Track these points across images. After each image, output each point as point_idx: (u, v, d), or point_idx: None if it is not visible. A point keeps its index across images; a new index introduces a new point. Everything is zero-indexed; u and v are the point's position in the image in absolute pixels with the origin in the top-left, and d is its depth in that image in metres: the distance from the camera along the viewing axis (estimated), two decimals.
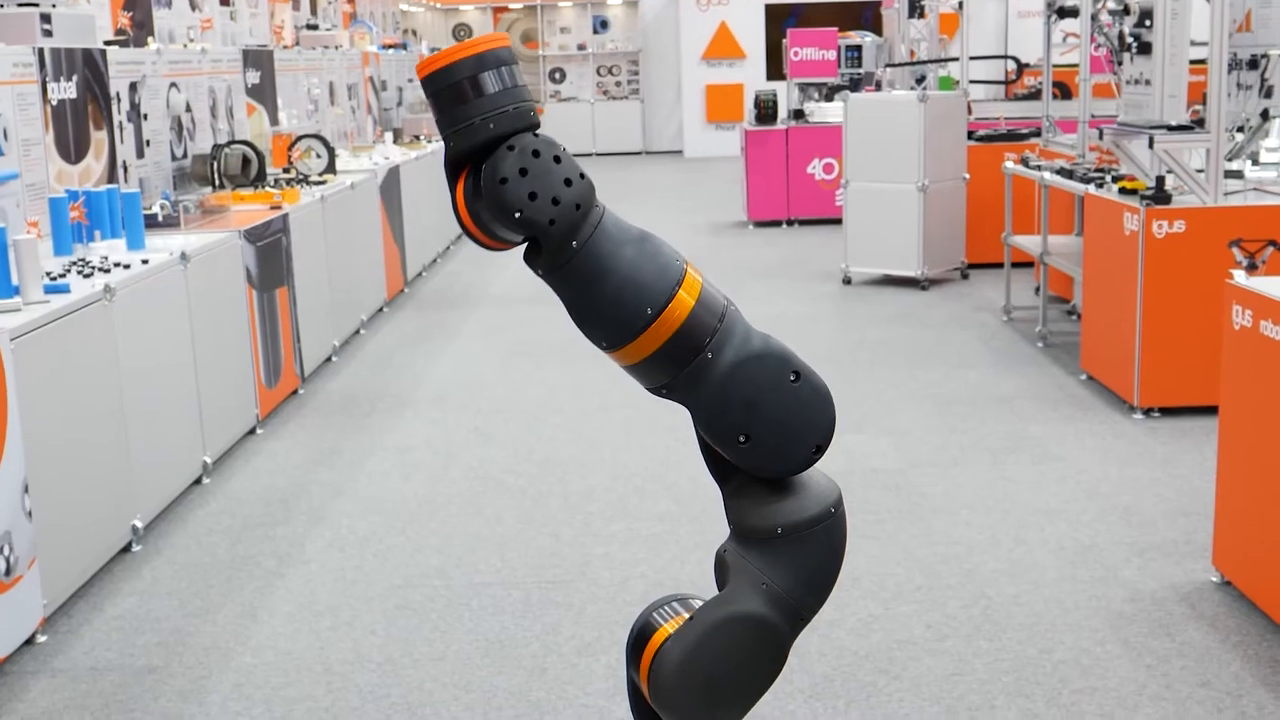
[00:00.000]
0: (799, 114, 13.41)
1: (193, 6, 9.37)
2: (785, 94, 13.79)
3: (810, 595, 2.15)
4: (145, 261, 5.52)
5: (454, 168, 2.02)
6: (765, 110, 13.31)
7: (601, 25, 23.67)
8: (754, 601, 2.12)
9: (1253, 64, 7.21)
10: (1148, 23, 6.95)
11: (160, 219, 6.55)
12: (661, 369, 2.07)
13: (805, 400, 2.14)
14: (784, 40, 13.69)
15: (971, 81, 11.49)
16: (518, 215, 1.93)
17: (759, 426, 2.09)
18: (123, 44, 7.34)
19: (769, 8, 21.59)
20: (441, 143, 8.63)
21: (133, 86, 7.01)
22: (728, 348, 2.09)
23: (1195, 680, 3.88)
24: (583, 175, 1.98)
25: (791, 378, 2.14)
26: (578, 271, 2.01)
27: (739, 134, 14.15)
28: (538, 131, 1.98)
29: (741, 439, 2.10)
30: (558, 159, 1.96)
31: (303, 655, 4.23)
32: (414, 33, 21.95)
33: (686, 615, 2.20)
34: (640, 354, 2.06)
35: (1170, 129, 6.43)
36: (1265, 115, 7.06)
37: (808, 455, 2.13)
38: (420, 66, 1.99)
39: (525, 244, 2.08)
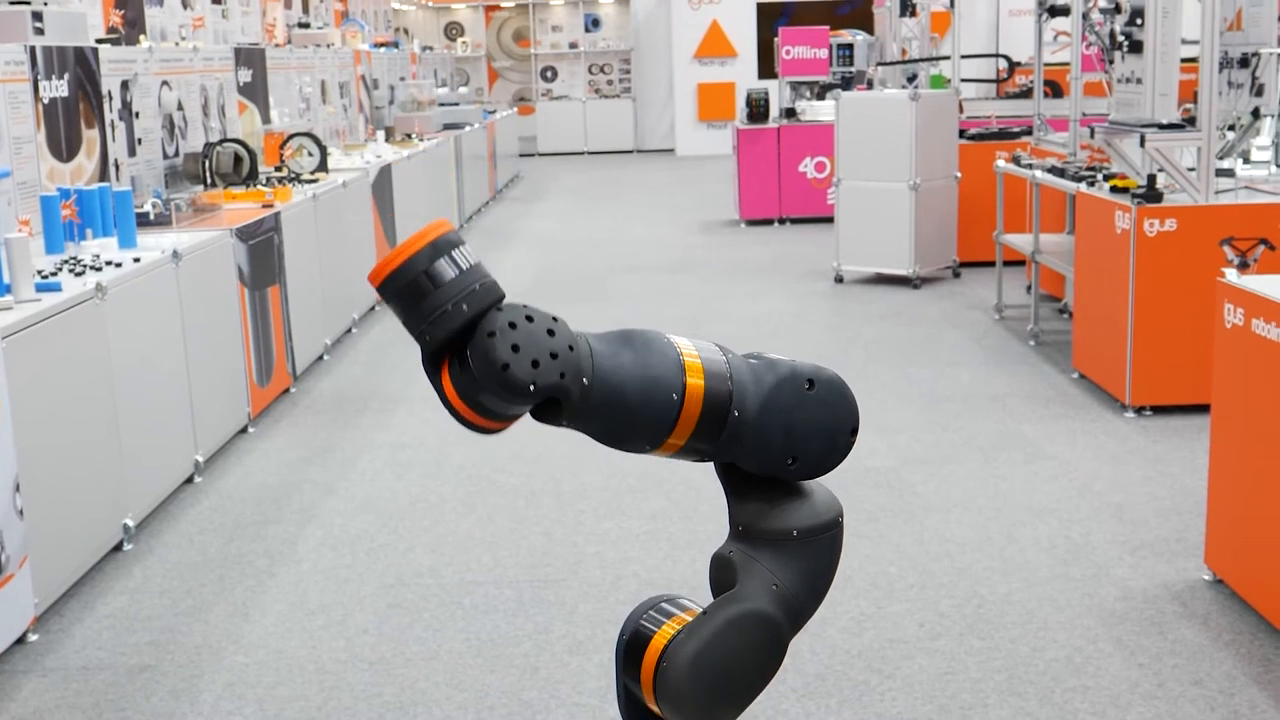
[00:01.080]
0: (790, 112, 13.41)
1: (184, 5, 9.34)
2: (777, 92, 13.80)
3: (811, 600, 2.19)
4: (137, 260, 5.51)
5: (434, 362, 1.98)
6: (757, 109, 13.31)
7: (593, 24, 23.67)
8: (765, 600, 2.15)
9: (1244, 62, 7.22)
10: (1139, 21, 6.96)
11: (152, 217, 6.54)
12: (701, 446, 2.11)
13: (827, 400, 2.19)
14: (775, 39, 13.70)
15: (963, 80, 11.51)
16: (532, 389, 1.91)
17: (800, 444, 2.15)
18: (114, 42, 7.32)
19: (760, 6, 21.61)
20: (438, 140, 8.57)
21: (124, 85, 7.00)
22: (748, 398, 2.13)
23: (1187, 679, 3.89)
24: (555, 318, 1.98)
25: (807, 387, 2.17)
26: (600, 402, 2.00)
27: (730, 132, 14.15)
28: (501, 305, 1.95)
29: (790, 461, 2.16)
30: (530, 318, 1.94)
31: (295, 654, 4.22)
32: (406, 31, 21.93)
33: (682, 615, 2.20)
34: (680, 440, 2.09)
35: (1161, 127, 6.43)
36: (1256, 114, 7.07)
37: (847, 443, 2.20)
38: (374, 274, 1.92)
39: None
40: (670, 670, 2.10)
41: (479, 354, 1.90)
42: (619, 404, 2.02)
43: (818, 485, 2.22)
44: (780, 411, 2.12)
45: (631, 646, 2.17)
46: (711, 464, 2.19)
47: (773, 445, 2.12)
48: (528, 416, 2.05)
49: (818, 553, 2.16)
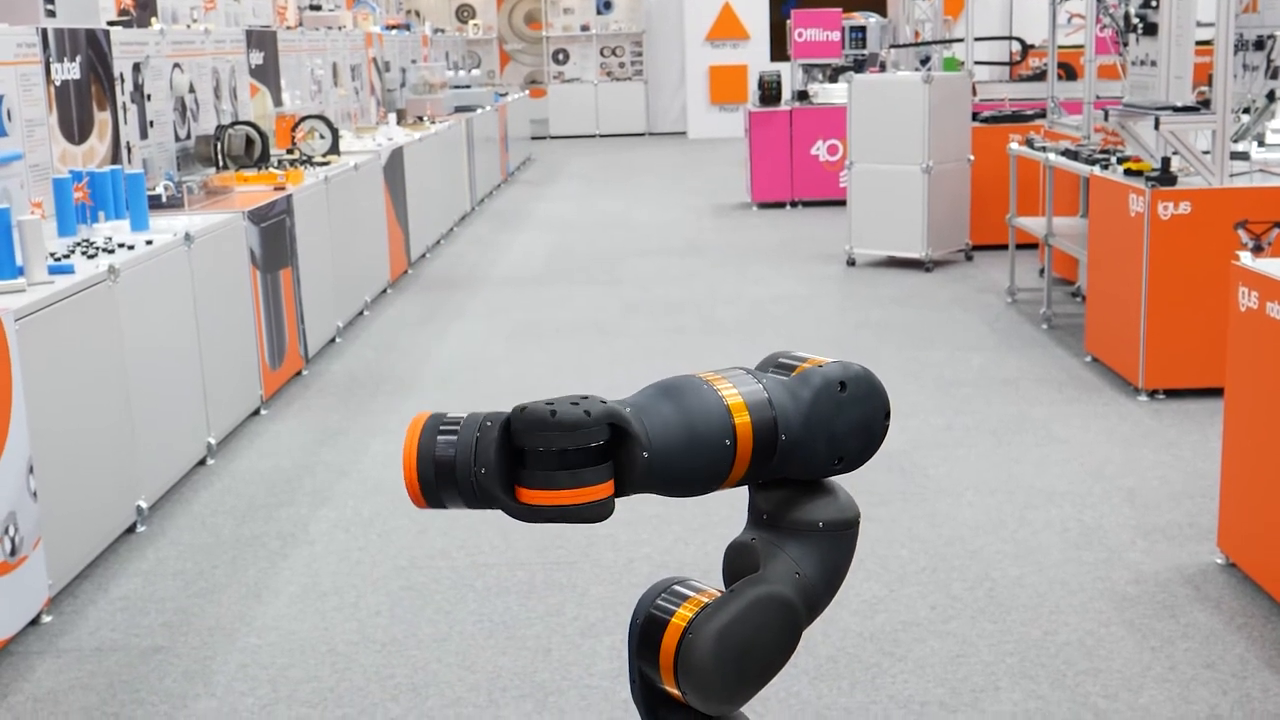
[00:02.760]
0: (803, 95, 13.37)
1: None
2: (789, 75, 13.76)
3: (827, 594, 2.22)
4: (149, 242, 5.52)
5: (509, 495, 1.99)
6: (769, 91, 13.28)
7: (605, 6, 23.61)
8: (788, 586, 2.18)
9: (1259, 45, 7.18)
10: (1154, 3, 6.93)
11: (164, 200, 6.54)
12: (756, 474, 2.12)
13: (860, 397, 2.21)
14: (788, 21, 13.65)
15: (976, 63, 11.46)
16: (588, 414, 1.90)
17: (842, 445, 2.17)
18: (126, 24, 7.32)
19: None
20: (450, 123, 8.59)
21: (136, 67, 7.00)
22: (791, 418, 2.16)
23: (1200, 662, 3.89)
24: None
25: (839, 390, 2.19)
26: (660, 438, 2.01)
27: (743, 115, 14.12)
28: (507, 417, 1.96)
29: (836, 462, 2.18)
30: (549, 402, 1.95)
31: (307, 636, 4.23)
32: (417, 14, 21.90)
33: (698, 596, 2.20)
34: (739, 474, 2.12)
35: (1176, 110, 6.41)
36: (1271, 96, 7.04)
37: (884, 429, 2.23)
38: (413, 498, 1.88)
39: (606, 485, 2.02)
40: (696, 642, 2.11)
41: (526, 424, 1.91)
42: (674, 444, 2.02)
43: (839, 485, 2.24)
44: (822, 423, 2.15)
45: (647, 629, 2.18)
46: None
47: (819, 454, 2.15)
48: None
49: (839, 548, 2.19)
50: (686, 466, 2.03)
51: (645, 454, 1.98)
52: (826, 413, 2.15)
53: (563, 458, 1.92)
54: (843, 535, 2.18)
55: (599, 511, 1.95)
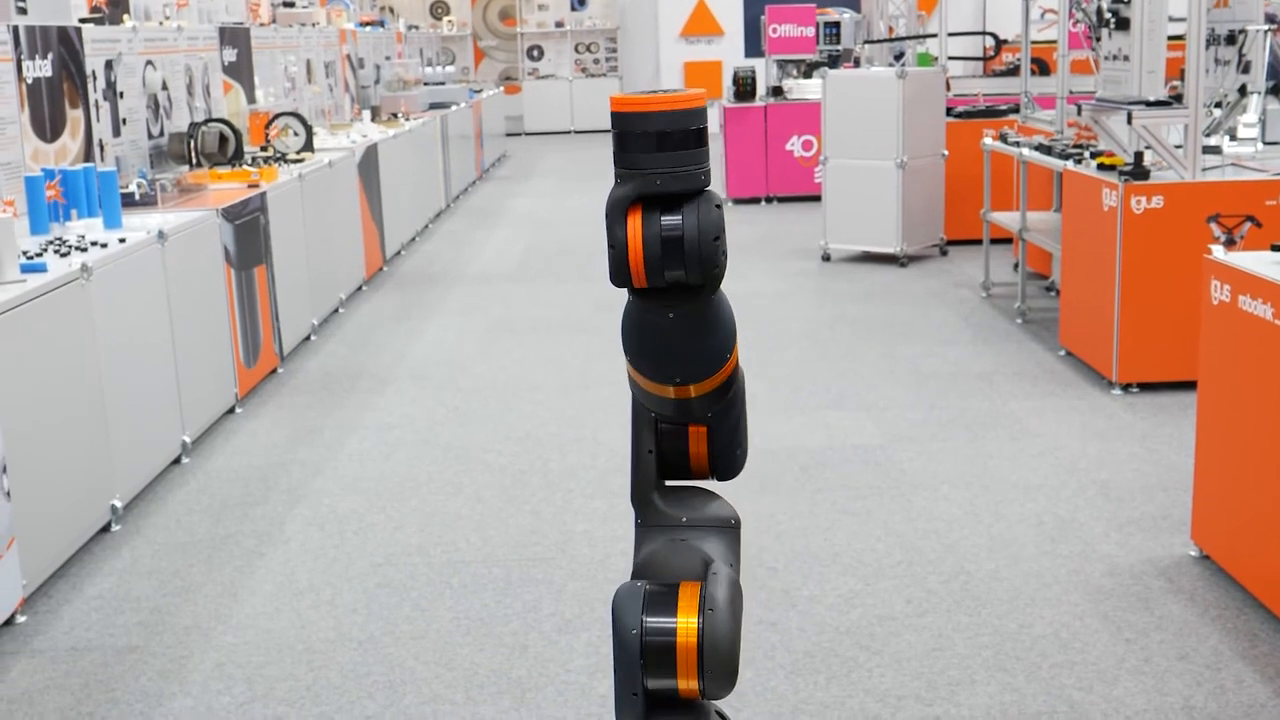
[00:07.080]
0: (778, 91, 13.39)
1: None
2: (764, 71, 13.77)
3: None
4: (122, 240, 5.49)
5: (621, 209, 2.11)
6: (744, 87, 13.28)
7: (580, 2, 23.60)
8: (737, 577, 2.34)
9: (1230, 39, 7.21)
10: None
11: (137, 198, 6.51)
12: (715, 399, 2.30)
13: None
14: (762, 16, 13.67)
15: (950, 58, 11.50)
16: (723, 255, 2.13)
17: (742, 436, 2.38)
18: (98, 22, 7.28)
19: None
20: (424, 120, 8.60)
21: (109, 64, 6.97)
22: (739, 380, 2.35)
23: (1174, 654, 3.91)
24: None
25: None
26: (715, 312, 2.22)
27: (717, 111, 14.13)
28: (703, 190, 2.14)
29: (739, 450, 2.38)
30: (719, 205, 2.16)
31: (283, 634, 4.22)
32: (391, 10, 21.84)
33: (682, 594, 2.30)
34: (717, 381, 2.27)
35: (1148, 105, 6.43)
36: (1243, 91, 7.07)
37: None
38: (619, 102, 2.09)
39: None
40: (717, 615, 2.27)
41: (709, 197, 2.14)
42: (721, 309, 2.21)
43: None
44: (742, 403, 2.35)
45: (654, 640, 2.25)
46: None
47: (740, 429, 2.35)
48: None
49: (739, 547, 2.36)
50: (719, 329, 2.22)
51: (712, 298, 2.17)
52: (743, 401, 2.35)
53: (669, 241, 2.12)
54: (738, 534, 2.36)
55: (625, 280, 2.13)
